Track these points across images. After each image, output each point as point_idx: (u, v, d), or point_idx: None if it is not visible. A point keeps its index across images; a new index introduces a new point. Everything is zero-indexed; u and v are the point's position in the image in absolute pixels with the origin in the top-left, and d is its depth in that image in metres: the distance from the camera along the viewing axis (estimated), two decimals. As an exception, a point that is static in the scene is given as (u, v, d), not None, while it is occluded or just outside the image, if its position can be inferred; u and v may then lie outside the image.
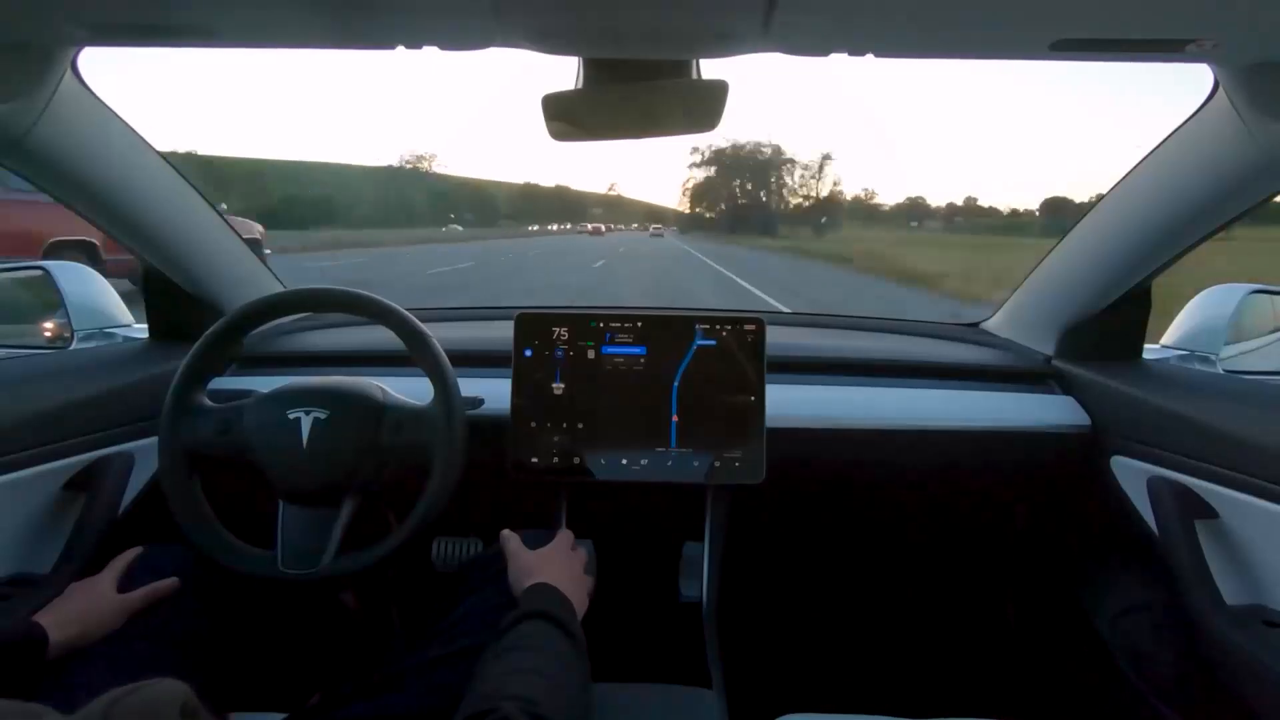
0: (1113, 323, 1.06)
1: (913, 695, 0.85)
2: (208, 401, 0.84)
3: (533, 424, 0.96)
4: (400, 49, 0.63)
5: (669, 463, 0.95)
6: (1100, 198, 1.00)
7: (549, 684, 0.55)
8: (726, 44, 0.63)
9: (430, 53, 0.64)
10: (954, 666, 1.31)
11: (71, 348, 1.19)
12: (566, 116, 0.76)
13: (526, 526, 0.85)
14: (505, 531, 0.82)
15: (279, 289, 1.21)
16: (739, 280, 13.50)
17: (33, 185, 0.86)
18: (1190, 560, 0.81)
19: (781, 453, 0.95)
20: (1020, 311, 1.23)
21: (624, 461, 0.95)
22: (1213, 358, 1.17)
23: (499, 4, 0.53)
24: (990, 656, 1.30)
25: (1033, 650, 1.24)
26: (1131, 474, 0.95)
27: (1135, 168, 0.91)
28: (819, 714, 0.73)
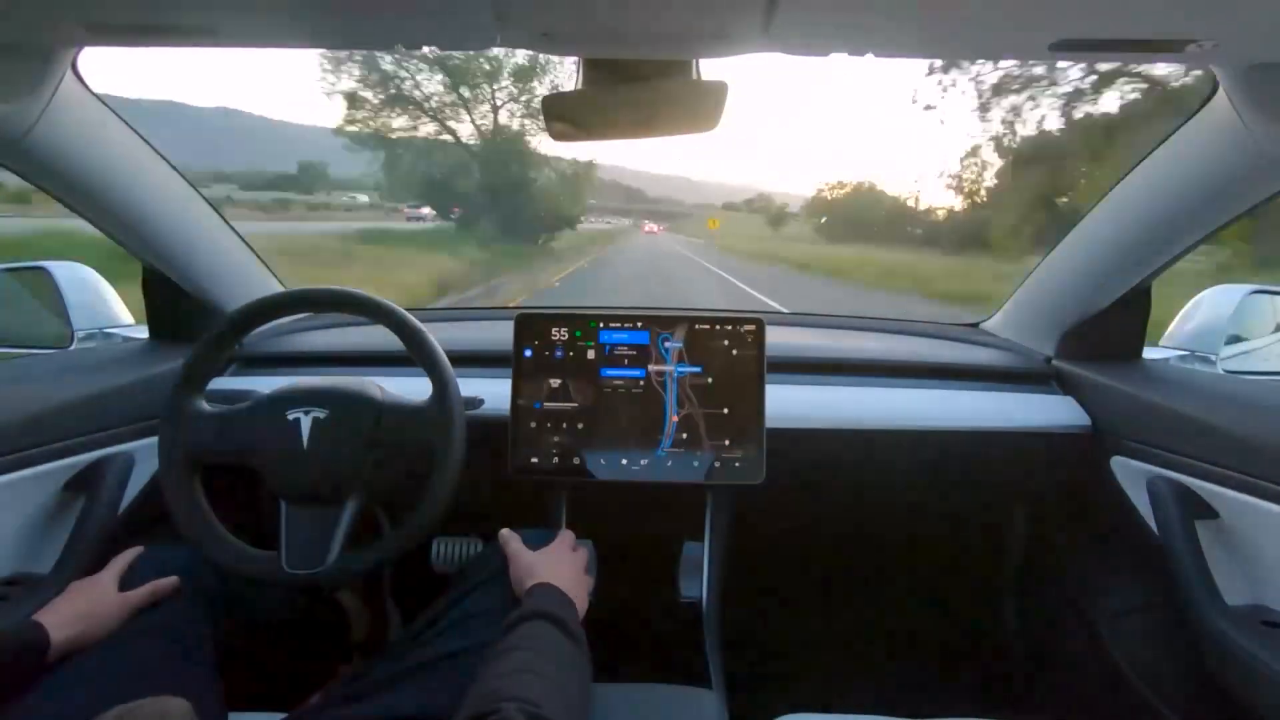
0: (1112, 323, 1.06)
1: (913, 695, 0.85)
2: (206, 406, 0.84)
3: (533, 424, 0.96)
4: (400, 49, 0.63)
5: (669, 463, 0.95)
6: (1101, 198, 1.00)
7: (550, 685, 0.55)
8: (726, 44, 0.63)
9: (429, 53, 0.64)
10: (954, 667, 1.31)
11: (71, 348, 1.19)
12: (566, 117, 0.76)
13: (526, 527, 0.85)
14: (505, 531, 0.82)
15: (279, 289, 1.21)
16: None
17: (32, 185, 0.86)
18: (1190, 560, 0.81)
19: (781, 453, 0.95)
20: (1020, 312, 1.23)
21: (624, 462, 0.95)
22: (1213, 358, 1.17)
23: (499, 4, 0.53)
24: (990, 657, 1.30)
25: (1033, 650, 1.24)
26: (1131, 474, 0.95)
27: (1135, 168, 0.91)
28: (819, 714, 0.73)
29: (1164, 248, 0.92)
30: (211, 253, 1.10)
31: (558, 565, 0.76)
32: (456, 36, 0.62)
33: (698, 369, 0.96)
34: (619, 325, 0.97)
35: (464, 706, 0.52)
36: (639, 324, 0.97)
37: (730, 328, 0.96)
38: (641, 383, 0.96)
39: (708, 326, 0.96)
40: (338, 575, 0.79)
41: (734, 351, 0.96)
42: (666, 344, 0.96)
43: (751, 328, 0.96)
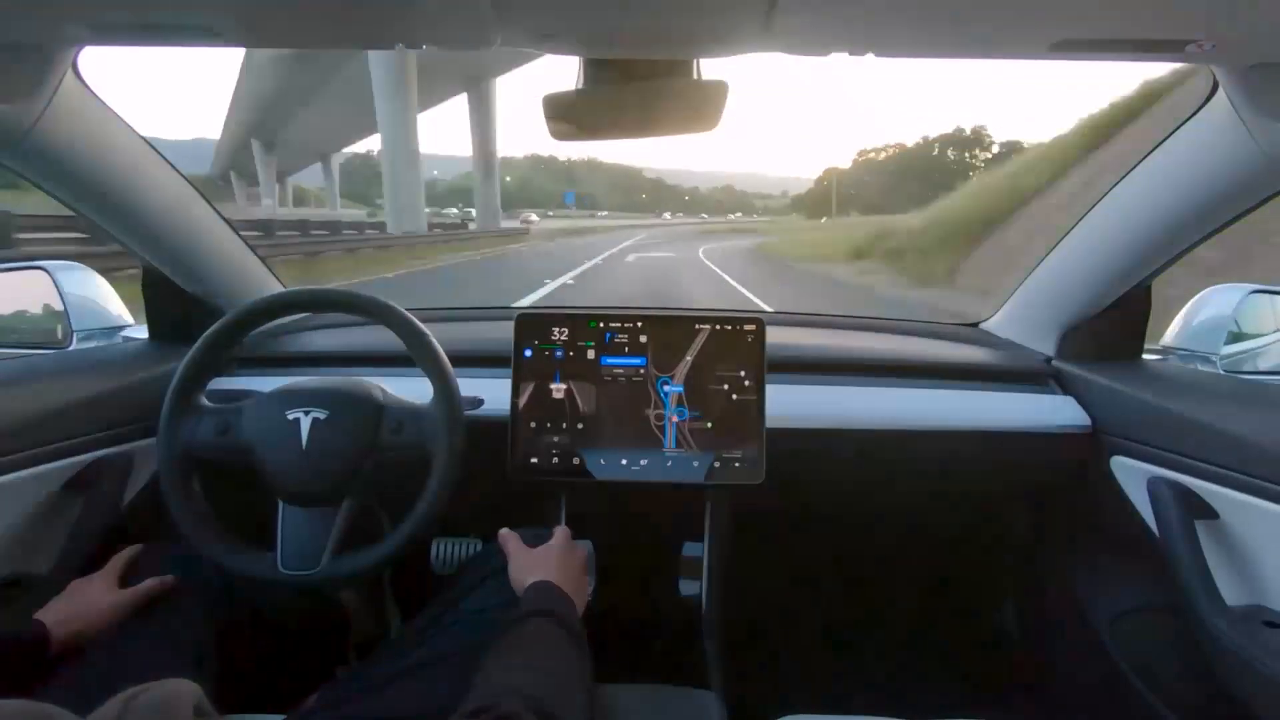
0: (1113, 323, 1.06)
1: (913, 695, 0.85)
2: (207, 402, 0.84)
3: (532, 424, 0.96)
4: (400, 48, 0.63)
5: (669, 463, 0.95)
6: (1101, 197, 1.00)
7: (553, 681, 0.56)
8: (726, 44, 0.63)
9: (429, 52, 0.64)
10: (954, 667, 1.31)
11: (71, 348, 1.18)
12: (567, 116, 0.76)
13: (526, 526, 0.85)
14: (504, 531, 0.82)
15: (279, 289, 1.21)
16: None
17: (33, 184, 0.86)
18: (1190, 561, 0.81)
19: (781, 453, 0.95)
20: (1020, 311, 1.23)
21: (624, 462, 0.95)
22: (1213, 358, 1.17)
23: (500, 4, 0.53)
24: (990, 657, 1.30)
25: (1032, 650, 1.24)
26: (1131, 474, 0.95)
27: (1135, 167, 0.91)
28: (819, 714, 0.73)
29: (1164, 248, 0.92)
30: (211, 253, 1.10)
31: (556, 563, 0.76)
32: (457, 36, 0.62)
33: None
34: (619, 325, 0.97)
35: (465, 702, 0.52)
36: (639, 323, 0.97)
37: (730, 327, 0.96)
38: (642, 382, 0.96)
39: (708, 326, 0.96)
40: (332, 577, 0.79)
41: (734, 351, 0.96)
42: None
43: (752, 327, 0.96)
